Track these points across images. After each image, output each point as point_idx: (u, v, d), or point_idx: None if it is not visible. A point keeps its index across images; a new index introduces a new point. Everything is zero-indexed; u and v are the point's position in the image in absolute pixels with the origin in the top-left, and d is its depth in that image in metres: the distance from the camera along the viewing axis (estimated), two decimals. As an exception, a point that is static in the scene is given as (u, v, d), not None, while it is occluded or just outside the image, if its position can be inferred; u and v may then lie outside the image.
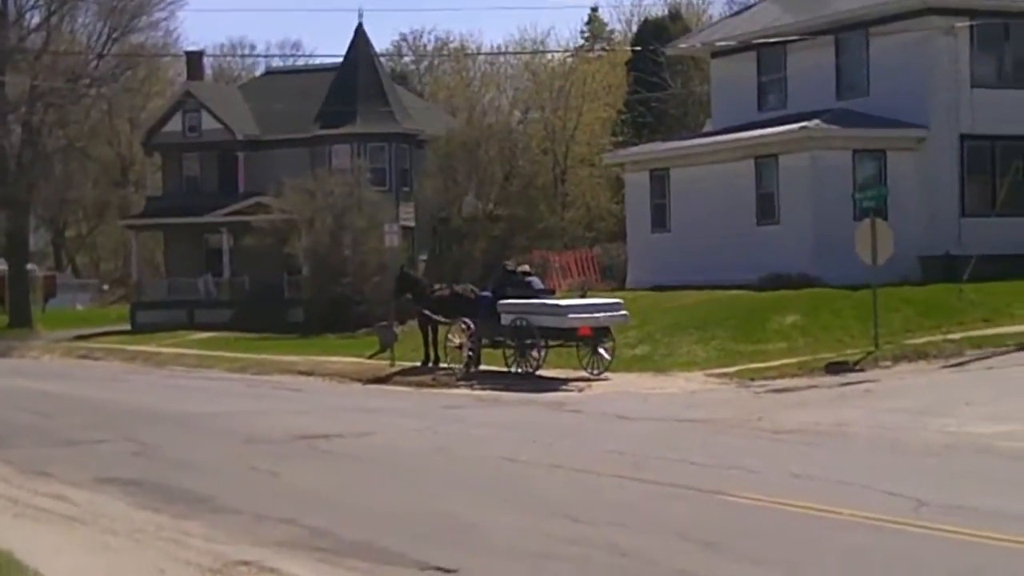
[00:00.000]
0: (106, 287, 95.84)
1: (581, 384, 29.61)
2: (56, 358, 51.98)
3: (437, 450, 20.32)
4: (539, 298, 32.11)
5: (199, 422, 25.80)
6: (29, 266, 73.72)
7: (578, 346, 31.14)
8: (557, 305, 31.32)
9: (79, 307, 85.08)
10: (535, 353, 31.08)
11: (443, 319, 34.06)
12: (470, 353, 32.65)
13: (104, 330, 63.02)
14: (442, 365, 34.20)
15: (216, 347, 49.07)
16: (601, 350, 30.86)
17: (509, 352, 31.59)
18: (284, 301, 61.86)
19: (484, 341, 32.59)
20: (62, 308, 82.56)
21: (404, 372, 34.60)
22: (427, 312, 34.84)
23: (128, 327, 63.54)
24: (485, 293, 33.30)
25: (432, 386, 32.06)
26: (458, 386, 31.50)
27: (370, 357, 39.46)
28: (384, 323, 40.18)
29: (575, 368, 31.25)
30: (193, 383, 36.26)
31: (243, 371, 40.18)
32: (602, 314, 30.76)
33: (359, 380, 35.00)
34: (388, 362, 36.59)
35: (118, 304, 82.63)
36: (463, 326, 32.68)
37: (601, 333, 30.72)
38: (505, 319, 31.41)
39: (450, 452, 20.12)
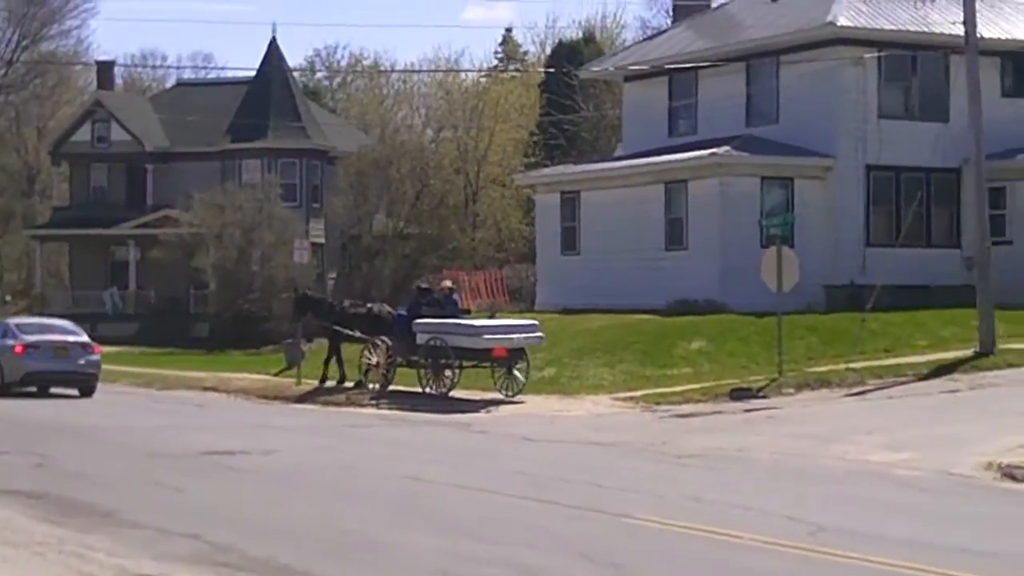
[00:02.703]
0: (9, 298, 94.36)
1: (488, 405, 29.65)
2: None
3: (342, 468, 20.28)
4: (458, 317, 32.06)
5: (102, 435, 25.54)
6: (-71, 275, 72.69)
7: (493, 367, 31.13)
8: (472, 325, 31.29)
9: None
10: (448, 373, 31.03)
11: (359, 335, 33.95)
12: (386, 371, 32.55)
13: (6, 341, 62.01)
14: (347, 384, 34.10)
15: (120, 361, 48.48)
16: (515, 371, 30.87)
17: (423, 372, 31.48)
18: (190, 316, 61.50)
19: (399, 360, 32.45)
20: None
21: (313, 391, 34.45)
22: (338, 328, 34.71)
23: (31, 338, 62.59)
24: (401, 312, 33.24)
25: (338, 404, 31.97)
26: (364, 405, 31.46)
27: (276, 374, 39.33)
28: (291, 340, 40.04)
29: (488, 390, 31.26)
30: (95, 396, 35.89)
31: (147, 386, 39.84)
32: (517, 335, 30.77)
33: (264, 397, 34.85)
34: (294, 380, 36.46)
35: (20, 315, 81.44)
36: (380, 344, 32.57)
37: (516, 354, 30.73)
38: (420, 338, 31.28)
39: (355, 470, 20.09)
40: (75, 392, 35.31)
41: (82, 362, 34.96)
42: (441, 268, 55.76)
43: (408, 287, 53.41)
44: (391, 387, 32.52)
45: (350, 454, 22.08)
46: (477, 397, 30.93)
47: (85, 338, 35.92)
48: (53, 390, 35.62)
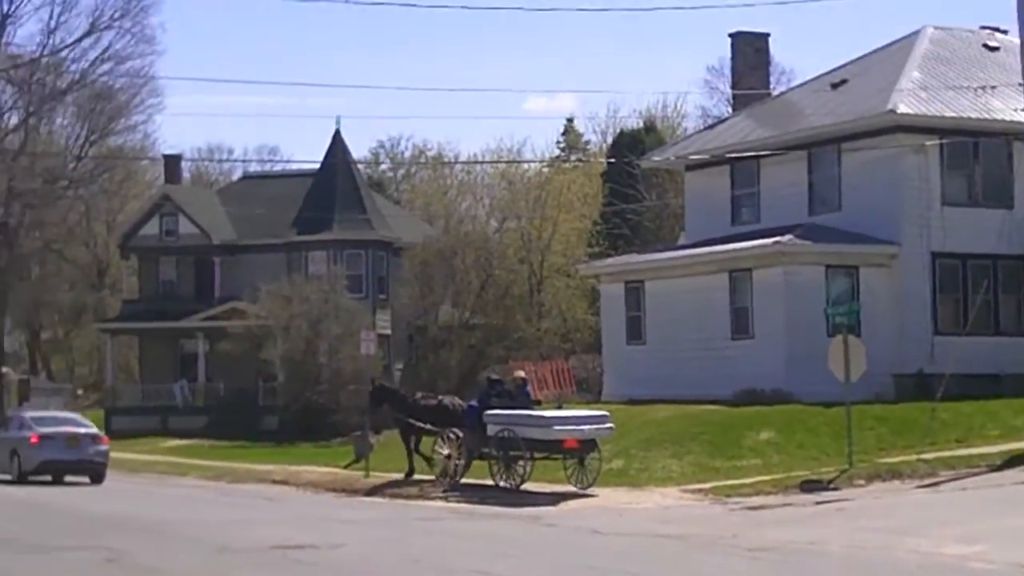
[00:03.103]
0: (80, 391, 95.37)
1: (558, 498, 29.56)
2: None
3: (410, 561, 20.31)
4: (530, 408, 31.87)
5: (172, 530, 25.68)
6: (3, 369, 73.47)
7: (564, 458, 31.01)
8: (542, 416, 31.02)
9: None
10: (520, 465, 30.84)
11: (430, 427, 33.92)
12: (457, 463, 32.43)
13: (77, 435, 62.56)
14: (417, 477, 34.08)
15: (190, 454, 48.95)
16: (587, 463, 30.69)
17: (495, 464, 31.28)
18: (259, 408, 61.76)
19: (471, 453, 32.22)
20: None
21: (384, 484, 34.43)
22: (411, 420, 34.67)
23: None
24: (471, 404, 33.17)
25: (407, 497, 32.01)
26: (433, 498, 31.46)
27: (345, 467, 39.44)
28: (359, 432, 40.15)
29: (560, 482, 31.10)
30: (166, 491, 36.13)
31: (217, 479, 40.06)
32: (588, 426, 30.58)
33: (333, 490, 34.94)
34: (362, 473, 36.54)
35: (92, 409, 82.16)
36: (451, 436, 32.55)
37: (587, 445, 30.53)
38: (491, 430, 31.12)
39: (422, 564, 20.11)
40: (152, 487, 35.71)
41: (92, 451, 37.55)
42: (507, 359, 55.80)
43: (474, 378, 53.56)
44: (463, 480, 32.44)
45: (417, 547, 22.09)
46: (548, 490, 30.80)
47: (95, 430, 38.87)
48: (129, 486, 35.99)
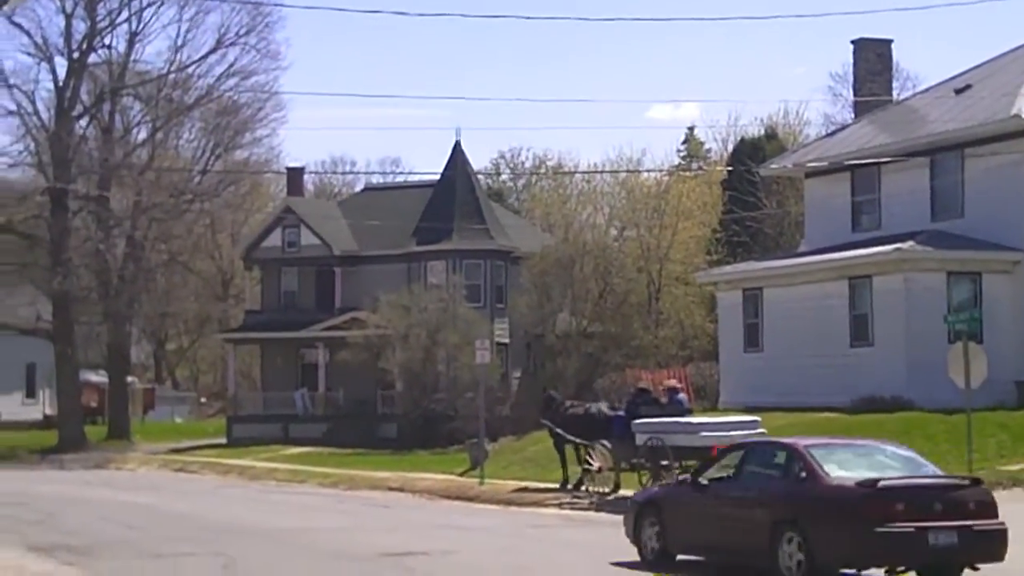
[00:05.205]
0: (204, 400, 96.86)
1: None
2: (152, 470, 52.55)
3: (519, 568, 20.33)
4: (685, 416, 30.98)
5: (288, 537, 25.97)
6: (129, 379, 74.75)
7: None
8: (690, 423, 30.10)
9: (178, 420, 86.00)
10: (670, 474, 29.62)
11: (578, 440, 33.47)
12: (609, 476, 31.85)
13: (201, 443, 63.66)
14: (569, 486, 33.41)
15: (309, 462, 49.37)
16: None
17: (644, 475, 30.51)
18: (377, 416, 62.18)
19: (622, 464, 31.59)
20: (161, 421, 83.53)
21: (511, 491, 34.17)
22: (560, 432, 34.16)
23: (224, 440, 64.11)
24: (619, 413, 32.83)
25: (520, 505, 32.00)
26: (547, 505, 31.40)
27: (461, 474, 39.57)
28: (475, 440, 40.24)
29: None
30: (284, 498, 36.47)
31: (334, 486, 40.41)
32: (736, 432, 29.62)
33: (448, 497, 35.07)
34: (478, 480, 36.60)
35: (216, 417, 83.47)
36: (602, 449, 32.07)
37: None
38: (639, 439, 30.36)
39: (532, 571, 20.11)
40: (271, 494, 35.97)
41: None
42: (624, 367, 55.64)
43: (591, 386, 53.45)
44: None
45: (527, 555, 22.10)
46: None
47: None
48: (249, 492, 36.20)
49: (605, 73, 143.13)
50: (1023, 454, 30.72)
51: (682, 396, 32.89)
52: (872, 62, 47.83)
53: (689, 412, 32.70)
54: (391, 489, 38.08)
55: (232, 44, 69.51)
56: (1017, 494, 27.49)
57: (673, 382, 34.42)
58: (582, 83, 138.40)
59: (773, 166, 51.58)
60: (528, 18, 59.19)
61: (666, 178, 72.61)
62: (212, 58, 69.80)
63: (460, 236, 63.78)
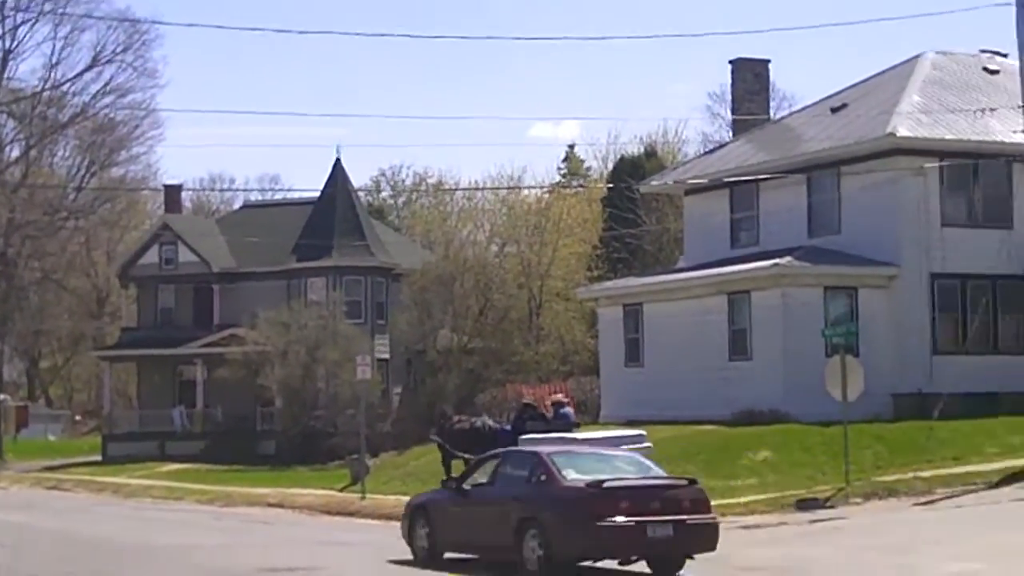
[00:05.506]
0: (79, 418, 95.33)
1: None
2: (24, 489, 51.51)
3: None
4: (571, 431, 30.93)
5: (164, 555, 25.51)
6: (1, 396, 73.37)
7: None
8: (575, 439, 30.38)
9: (51, 438, 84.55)
10: None
11: (465, 455, 33.18)
12: None
13: (75, 461, 62.64)
14: None
15: (186, 479, 48.76)
16: None
17: None
18: (257, 433, 61.75)
19: None
20: (34, 439, 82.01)
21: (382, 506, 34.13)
22: (447, 447, 34.00)
23: (99, 458, 63.13)
24: (505, 428, 32.57)
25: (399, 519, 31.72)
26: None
27: (341, 490, 39.26)
28: (355, 456, 39.98)
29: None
30: (161, 515, 35.89)
31: (212, 503, 39.91)
32: (624, 447, 29.77)
33: (328, 512, 34.76)
34: (359, 495, 36.34)
35: (90, 435, 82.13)
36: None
37: None
38: None
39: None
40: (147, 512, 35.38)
41: None
42: (505, 382, 55.69)
43: (472, 400, 53.38)
44: None
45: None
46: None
47: None
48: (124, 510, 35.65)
49: (487, 91, 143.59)
50: (899, 465, 31.11)
51: (568, 411, 32.97)
52: (750, 81, 48.35)
53: (576, 426, 32.82)
54: (270, 505, 37.68)
55: (108, 62, 68.99)
56: (892, 504, 27.86)
57: (560, 397, 34.43)
58: (464, 101, 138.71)
59: (653, 183, 51.91)
60: (410, 36, 59.62)
61: (547, 195, 72.91)
62: (88, 76, 69.22)
63: (340, 253, 63.52)
